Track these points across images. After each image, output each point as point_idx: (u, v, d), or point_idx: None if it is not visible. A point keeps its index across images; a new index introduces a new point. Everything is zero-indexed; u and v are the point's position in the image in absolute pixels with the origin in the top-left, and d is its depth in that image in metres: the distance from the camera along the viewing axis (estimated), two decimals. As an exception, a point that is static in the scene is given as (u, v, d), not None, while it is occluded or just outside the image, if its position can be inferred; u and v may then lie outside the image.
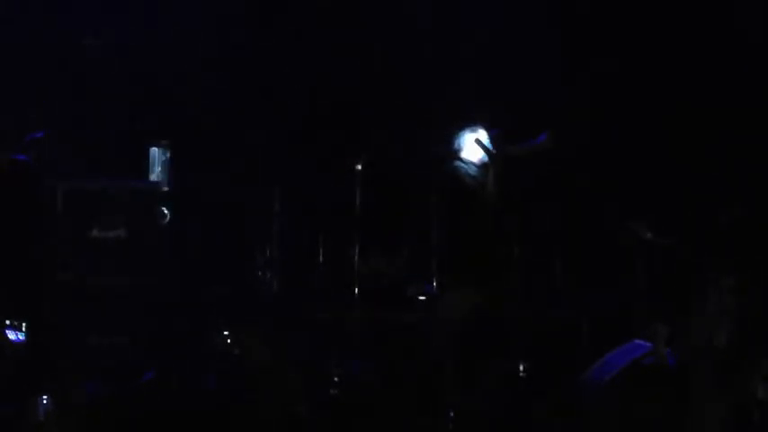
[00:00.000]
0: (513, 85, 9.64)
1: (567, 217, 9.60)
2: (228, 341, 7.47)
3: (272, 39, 10.25)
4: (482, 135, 8.98)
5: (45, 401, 6.84)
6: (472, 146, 8.95)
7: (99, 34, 9.84)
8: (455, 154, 8.98)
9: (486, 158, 8.89)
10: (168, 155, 9.69)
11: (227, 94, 9.94)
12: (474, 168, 8.96)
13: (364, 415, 7.59)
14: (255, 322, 7.85)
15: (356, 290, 9.27)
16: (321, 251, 9.61)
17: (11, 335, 7.39)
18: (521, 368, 8.17)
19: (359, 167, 9.72)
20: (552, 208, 9.64)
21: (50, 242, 8.34)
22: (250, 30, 10.15)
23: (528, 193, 9.26)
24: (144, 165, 9.66)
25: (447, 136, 9.11)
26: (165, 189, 9.54)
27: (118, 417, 6.76)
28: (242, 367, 7.41)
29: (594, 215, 9.44)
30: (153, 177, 9.62)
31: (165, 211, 9.35)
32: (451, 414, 7.67)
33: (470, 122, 9.06)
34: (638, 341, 7.63)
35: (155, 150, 9.68)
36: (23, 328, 7.45)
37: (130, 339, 7.91)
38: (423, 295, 9.43)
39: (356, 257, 9.40)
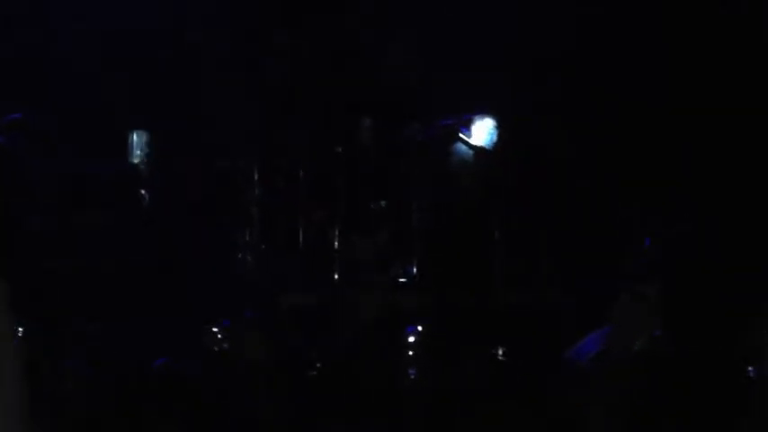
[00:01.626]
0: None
1: (552, 200, 9.64)
2: (218, 336, 7.48)
3: (254, 21, 10.25)
4: (487, 123, 9.04)
5: None
6: (478, 130, 9.01)
7: (80, 17, 9.80)
8: (459, 135, 9.06)
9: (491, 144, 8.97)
10: (148, 138, 9.68)
11: (209, 79, 9.92)
12: (475, 151, 9.03)
13: (345, 398, 7.62)
14: (244, 315, 7.86)
15: (336, 273, 9.32)
16: (300, 234, 9.61)
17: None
18: (500, 352, 8.22)
19: (340, 150, 9.75)
20: (537, 192, 9.69)
21: (31, 226, 8.33)
22: (230, 12, 10.13)
23: (516, 179, 9.33)
24: (124, 148, 9.65)
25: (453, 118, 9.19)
26: (146, 172, 9.53)
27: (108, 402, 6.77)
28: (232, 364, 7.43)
29: (580, 199, 9.49)
30: (133, 160, 9.61)
31: (145, 194, 9.35)
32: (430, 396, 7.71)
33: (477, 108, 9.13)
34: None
35: (135, 133, 9.66)
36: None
37: (115, 325, 7.90)
38: (403, 278, 9.47)
39: (336, 240, 9.43)
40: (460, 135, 9.48)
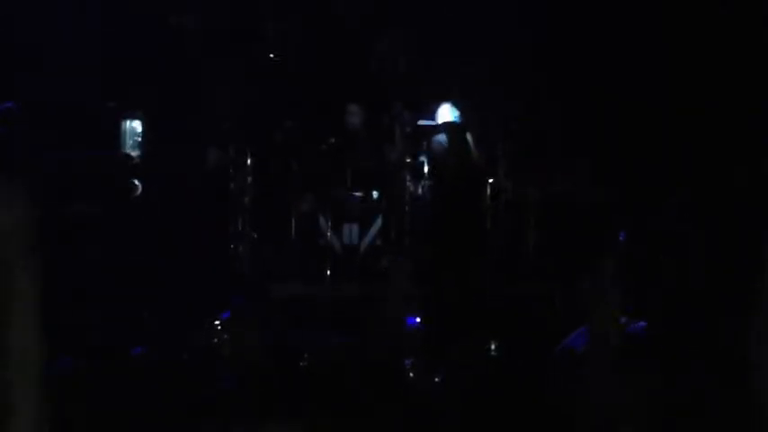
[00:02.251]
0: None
1: (542, 191, 9.69)
2: (214, 331, 7.52)
3: (248, 12, 10.28)
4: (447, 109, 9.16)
5: None
6: (445, 116, 9.14)
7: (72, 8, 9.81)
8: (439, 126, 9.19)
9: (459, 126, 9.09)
10: (141, 127, 9.70)
11: (201, 69, 9.95)
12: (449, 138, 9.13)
13: (334, 388, 7.64)
14: (237, 306, 7.89)
15: (328, 263, 9.37)
16: (293, 225, 9.65)
17: None
18: (492, 344, 8.24)
19: (332, 141, 9.80)
20: (527, 182, 9.74)
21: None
22: (225, 3, 10.17)
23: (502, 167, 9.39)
24: (117, 137, 9.67)
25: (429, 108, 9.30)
26: (138, 161, 9.56)
27: (97, 391, 6.78)
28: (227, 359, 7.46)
29: (568, 189, 9.54)
30: (126, 150, 9.63)
31: (138, 184, 9.38)
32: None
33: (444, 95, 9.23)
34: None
35: (128, 123, 9.69)
36: None
37: (105, 315, 7.92)
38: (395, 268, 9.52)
39: (328, 231, 9.47)
40: (450, 126, 9.57)
